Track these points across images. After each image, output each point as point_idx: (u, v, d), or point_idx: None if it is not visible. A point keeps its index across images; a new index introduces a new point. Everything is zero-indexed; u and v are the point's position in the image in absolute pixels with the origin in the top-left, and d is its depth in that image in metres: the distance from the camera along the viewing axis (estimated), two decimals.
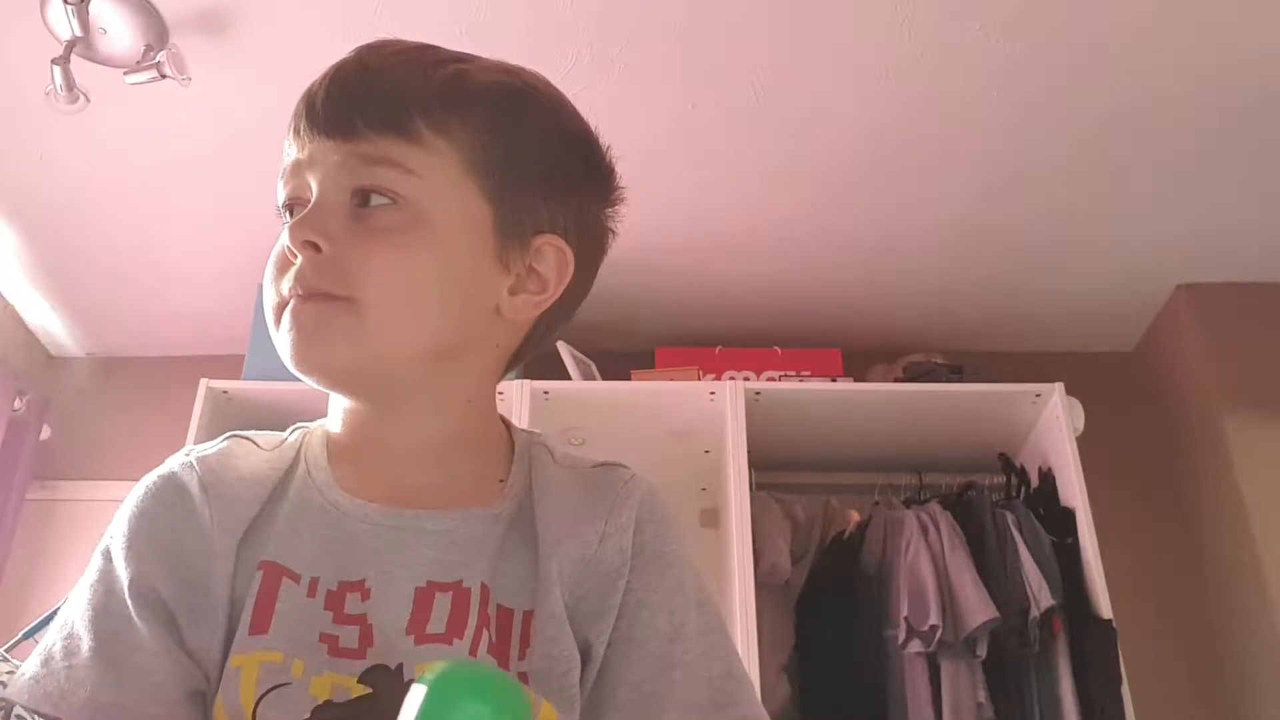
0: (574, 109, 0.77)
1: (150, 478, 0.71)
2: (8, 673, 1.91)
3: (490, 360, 0.76)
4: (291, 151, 0.72)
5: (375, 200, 0.68)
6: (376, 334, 0.67)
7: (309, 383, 0.70)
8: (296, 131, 0.71)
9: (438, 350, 0.71)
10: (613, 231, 0.79)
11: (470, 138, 0.70)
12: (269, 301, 0.70)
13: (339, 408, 0.75)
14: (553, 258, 0.74)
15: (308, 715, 0.61)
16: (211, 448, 0.72)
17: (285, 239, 0.68)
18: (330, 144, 0.69)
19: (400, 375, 0.70)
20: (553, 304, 0.75)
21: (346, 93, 0.70)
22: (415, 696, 0.49)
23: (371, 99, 0.69)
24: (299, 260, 0.67)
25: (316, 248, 0.67)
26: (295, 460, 0.73)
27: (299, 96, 0.72)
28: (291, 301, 0.68)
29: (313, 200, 0.69)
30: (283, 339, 0.68)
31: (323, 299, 0.67)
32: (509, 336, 0.76)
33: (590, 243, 0.77)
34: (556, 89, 0.77)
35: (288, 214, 0.72)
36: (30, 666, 0.64)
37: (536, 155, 0.73)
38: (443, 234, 0.69)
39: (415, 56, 0.72)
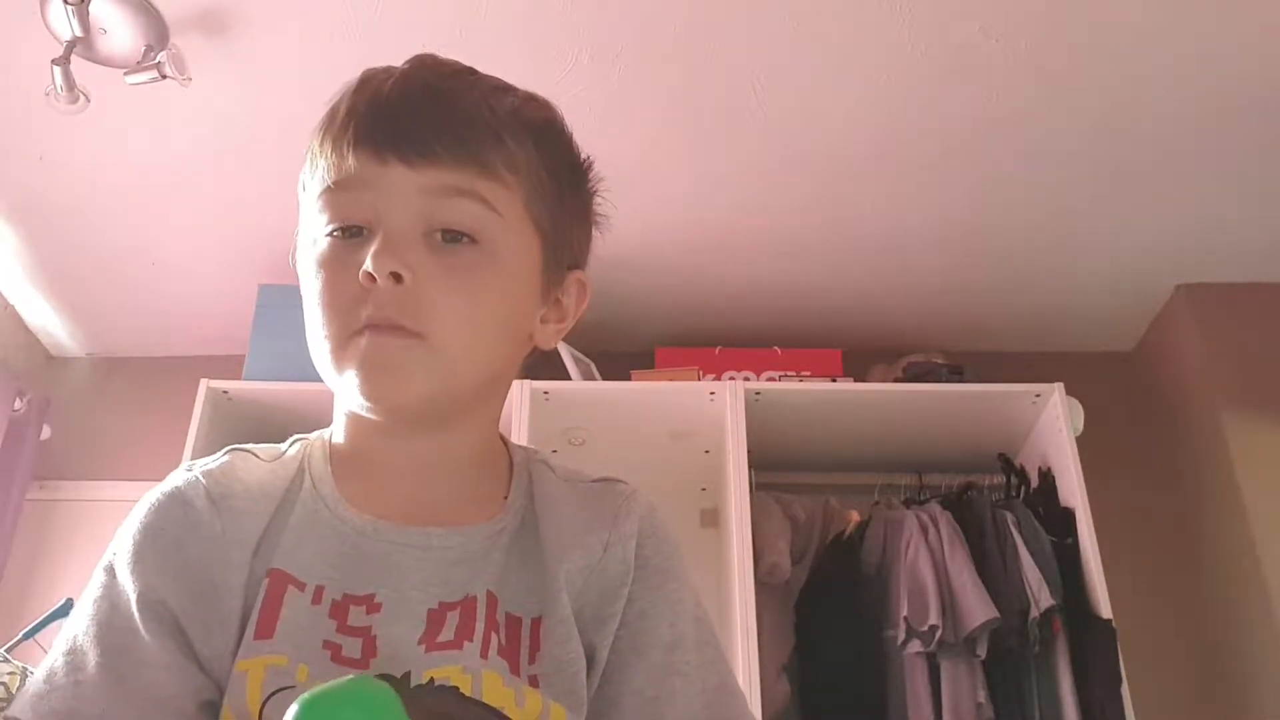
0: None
1: (153, 494, 0.70)
2: (9, 673, 1.91)
3: (511, 382, 0.79)
4: (349, 166, 0.68)
5: (451, 233, 0.68)
6: (451, 368, 0.68)
7: (371, 413, 0.69)
8: (356, 145, 0.68)
9: (491, 377, 0.74)
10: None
11: (532, 174, 0.72)
12: (333, 329, 0.67)
13: (344, 420, 0.74)
14: (575, 290, 0.78)
15: None
16: (214, 461, 0.72)
17: (365, 264, 0.65)
18: (408, 171, 0.67)
19: (462, 403, 0.72)
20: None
21: (423, 117, 0.68)
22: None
23: (450, 126, 0.68)
24: (376, 288, 0.65)
25: (399, 279, 0.66)
26: (298, 473, 0.73)
27: (355, 108, 0.69)
28: (367, 333, 0.66)
29: (385, 227, 0.67)
30: (355, 371, 0.66)
31: (401, 333, 0.66)
32: (523, 359, 0.79)
33: (587, 270, 0.80)
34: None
35: (338, 233, 0.69)
36: (33, 683, 0.64)
37: (570, 190, 0.76)
38: (509, 270, 0.71)
39: (472, 82, 0.72)
